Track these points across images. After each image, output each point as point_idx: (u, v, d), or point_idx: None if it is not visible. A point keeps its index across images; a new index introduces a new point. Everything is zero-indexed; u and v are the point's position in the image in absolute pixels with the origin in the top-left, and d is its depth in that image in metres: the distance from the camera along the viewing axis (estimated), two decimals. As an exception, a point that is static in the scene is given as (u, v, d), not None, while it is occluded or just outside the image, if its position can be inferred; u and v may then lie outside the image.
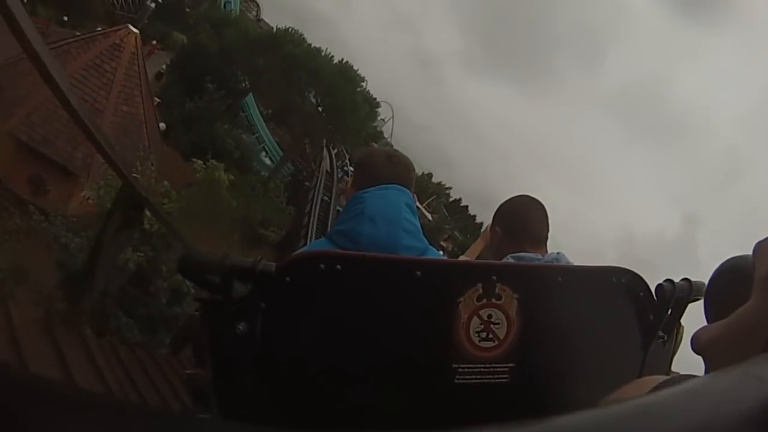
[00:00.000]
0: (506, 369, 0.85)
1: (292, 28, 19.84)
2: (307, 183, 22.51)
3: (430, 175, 33.27)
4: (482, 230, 1.96)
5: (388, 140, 26.57)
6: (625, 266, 0.94)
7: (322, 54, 19.31)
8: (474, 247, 1.86)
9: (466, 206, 35.55)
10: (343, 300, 0.84)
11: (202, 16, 21.25)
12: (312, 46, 19.39)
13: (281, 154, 22.05)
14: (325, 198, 21.36)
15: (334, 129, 20.15)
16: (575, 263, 1.28)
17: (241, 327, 0.78)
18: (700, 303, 0.90)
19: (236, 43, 19.23)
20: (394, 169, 1.27)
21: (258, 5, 29.54)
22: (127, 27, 12.68)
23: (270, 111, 24.60)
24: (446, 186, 35.05)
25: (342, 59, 19.70)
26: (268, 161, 22.32)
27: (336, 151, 25.07)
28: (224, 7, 22.81)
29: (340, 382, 0.82)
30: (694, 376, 0.41)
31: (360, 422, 0.79)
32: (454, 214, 32.97)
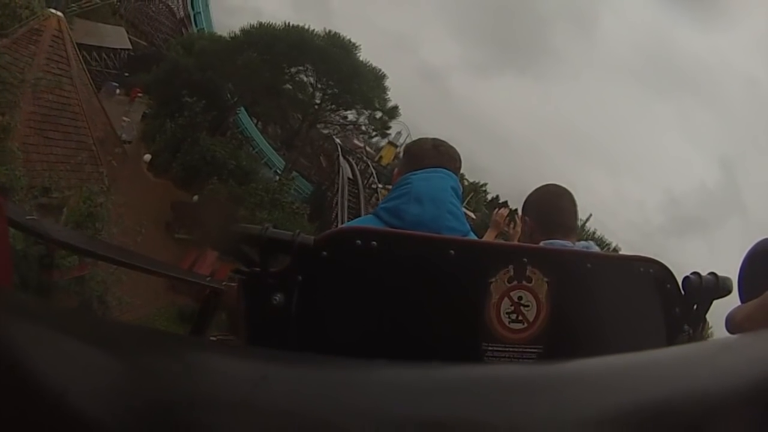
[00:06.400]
0: (534, 352, 0.83)
1: (270, 23, 17.25)
2: (329, 193, 19.89)
3: (461, 176, 30.32)
4: (492, 217, 2.03)
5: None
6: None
7: (305, 29, 16.42)
8: (487, 235, 1.99)
9: (505, 201, 32.03)
10: (376, 276, 0.82)
11: (173, 43, 19.27)
12: (291, 24, 16.56)
13: (284, 163, 19.08)
14: (352, 206, 18.65)
15: (341, 106, 16.95)
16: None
17: (277, 298, 0.78)
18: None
19: (209, 49, 16.83)
20: (440, 157, 1.33)
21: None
22: (47, 10, 10.28)
23: (279, 142, 22.39)
24: (481, 183, 32.62)
25: (328, 30, 16.72)
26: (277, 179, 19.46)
27: (360, 167, 22.37)
28: (197, 31, 20.85)
29: (369, 357, 0.72)
30: None
31: None
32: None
